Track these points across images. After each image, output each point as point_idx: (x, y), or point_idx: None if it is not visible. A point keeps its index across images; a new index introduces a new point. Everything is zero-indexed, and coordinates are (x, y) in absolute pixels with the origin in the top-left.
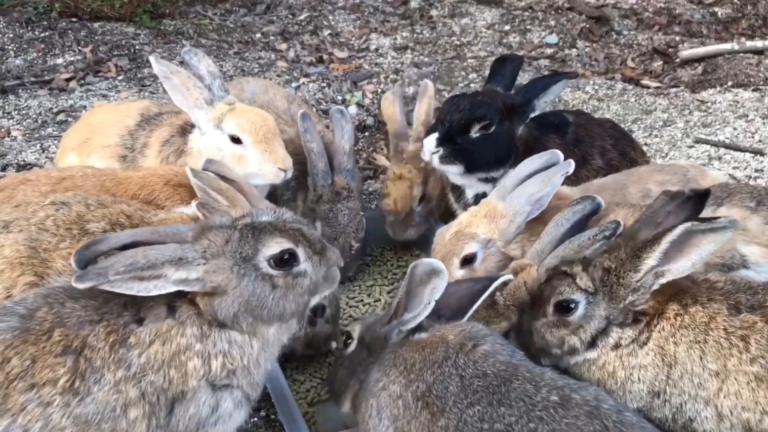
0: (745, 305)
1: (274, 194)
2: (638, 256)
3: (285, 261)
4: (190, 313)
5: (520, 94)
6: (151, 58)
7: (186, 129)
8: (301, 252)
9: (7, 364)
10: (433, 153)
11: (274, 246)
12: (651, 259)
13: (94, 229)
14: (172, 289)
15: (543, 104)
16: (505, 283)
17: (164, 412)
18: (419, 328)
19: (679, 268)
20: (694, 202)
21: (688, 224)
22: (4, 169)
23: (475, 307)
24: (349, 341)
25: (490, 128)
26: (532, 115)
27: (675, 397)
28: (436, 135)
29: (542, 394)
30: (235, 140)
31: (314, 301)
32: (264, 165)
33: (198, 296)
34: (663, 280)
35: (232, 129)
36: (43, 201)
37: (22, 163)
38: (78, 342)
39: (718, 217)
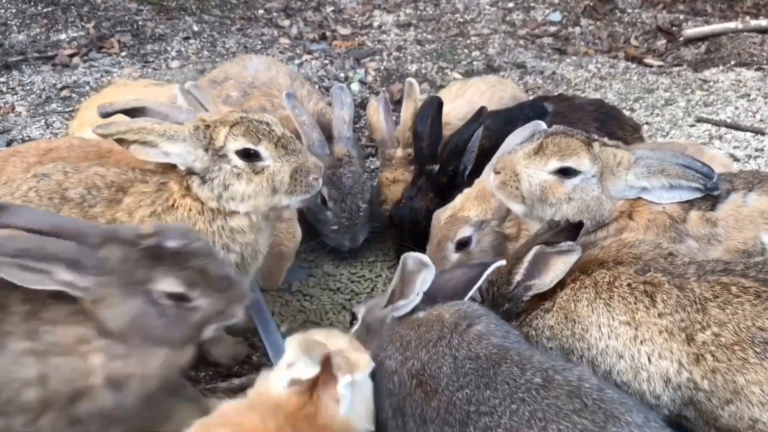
0: (658, 268)
1: None
2: (510, 272)
3: (176, 296)
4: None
5: (443, 168)
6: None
7: None
8: (195, 293)
9: None
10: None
11: (167, 285)
12: (518, 276)
13: (72, 195)
14: (55, 288)
15: (472, 157)
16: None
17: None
18: (416, 309)
19: (542, 282)
20: (569, 230)
21: (537, 247)
22: (9, 144)
23: (470, 293)
24: (354, 321)
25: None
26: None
27: (587, 352)
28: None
29: (527, 376)
30: None
31: (208, 333)
32: None
33: (86, 301)
34: (531, 293)
35: None
36: (26, 176)
37: (26, 138)
38: None
39: (567, 243)
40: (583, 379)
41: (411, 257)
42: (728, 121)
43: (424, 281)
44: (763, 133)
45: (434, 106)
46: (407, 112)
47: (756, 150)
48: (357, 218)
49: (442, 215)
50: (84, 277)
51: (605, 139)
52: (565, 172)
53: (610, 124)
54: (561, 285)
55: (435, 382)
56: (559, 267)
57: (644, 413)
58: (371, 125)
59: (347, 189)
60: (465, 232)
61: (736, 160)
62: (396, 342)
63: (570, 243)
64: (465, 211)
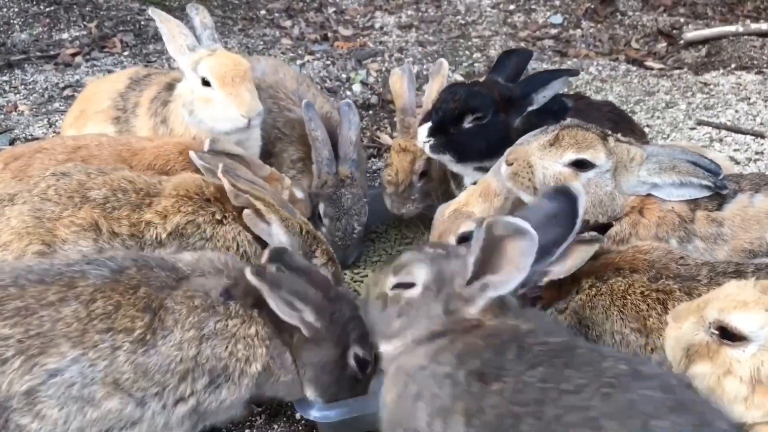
0: (669, 274)
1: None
2: None
3: (361, 362)
4: None
5: (519, 86)
6: (150, 10)
7: (173, 85)
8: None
9: (92, 304)
10: (425, 142)
11: (361, 351)
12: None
13: (95, 195)
14: (295, 323)
15: (542, 99)
16: None
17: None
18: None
19: (559, 270)
20: (598, 231)
21: None
22: (12, 143)
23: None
24: (402, 285)
25: (484, 119)
26: (530, 109)
27: None
28: (428, 125)
29: (608, 362)
30: (205, 83)
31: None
32: (227, 109)
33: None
34: (547, 278)
35: (203, 71)
36: (44, 173)
37: (29, 137)
38: (157, 303)
39: (590, 232)
40: (668, 374)
41: (500, 221)
42: (729, 124)
43: (522, 253)
44: (763, 137)
45: (524, 56)
46: (433, 87)
47: (756, 153)
48: (350, 239)
49: (446, 209)
50: (319, 321)
51: (619, 135)
52: (581, 165)
53: (622, 126)
54: (577, 289)
55: (497, 370)
56: (579, 255)
57: (727, 420)
58: (394, 92)
59: (345, 209)
60: (468, 226)
61: (737, 163)
62: (455, 351)
63: (594, 233)
64: (469, 206)
